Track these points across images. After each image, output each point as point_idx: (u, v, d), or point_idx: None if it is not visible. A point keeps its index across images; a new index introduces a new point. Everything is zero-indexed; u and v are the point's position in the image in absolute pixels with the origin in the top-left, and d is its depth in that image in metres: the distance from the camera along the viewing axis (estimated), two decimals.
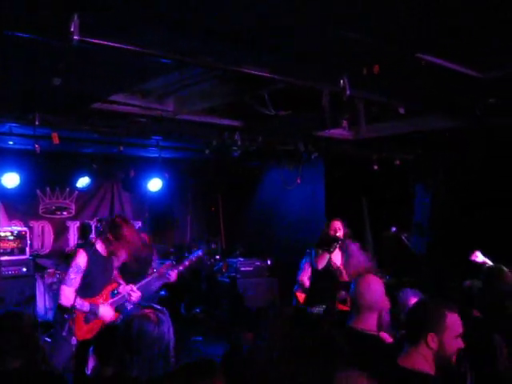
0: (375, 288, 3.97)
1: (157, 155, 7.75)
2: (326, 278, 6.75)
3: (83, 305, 5.44)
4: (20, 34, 3.25)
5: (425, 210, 8.78)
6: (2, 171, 7.79)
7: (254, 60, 4.20)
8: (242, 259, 9.73)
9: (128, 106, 5.93)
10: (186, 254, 9.64)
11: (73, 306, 5.29)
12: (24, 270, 8.27)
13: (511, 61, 4.43)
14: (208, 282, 9.88)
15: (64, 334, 5.19)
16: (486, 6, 3.32)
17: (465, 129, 6.59)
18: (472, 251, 6.60)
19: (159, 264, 7.55)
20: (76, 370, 4.75)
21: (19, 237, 8.53)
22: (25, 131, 6.14)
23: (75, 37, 3.11)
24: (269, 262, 9.82)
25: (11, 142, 7.08)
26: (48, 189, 9.57)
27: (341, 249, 6.83)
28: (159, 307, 3.39)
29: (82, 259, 5.60)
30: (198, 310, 9.76)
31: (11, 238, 8.45)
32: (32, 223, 9.36)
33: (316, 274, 6.80)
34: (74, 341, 5.20)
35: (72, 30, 3.09)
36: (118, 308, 5.90)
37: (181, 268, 6.77)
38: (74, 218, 9.84)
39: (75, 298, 5.42)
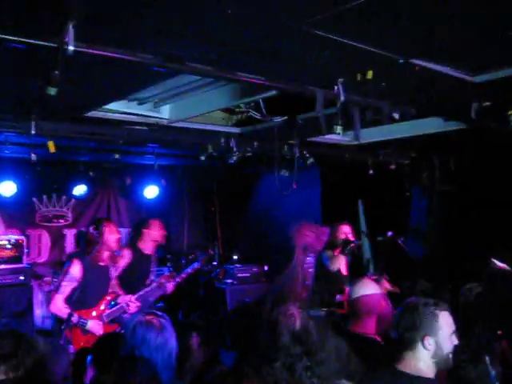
0: (373, 292, 3.99)
1: (153, 162, 7.76)
2: (327, 282, 6.78)
3: (74, 317, 5.44)
4: (14, 43, 3.25)
5: (421, 213, 8.79)
6: None
7: (248, 67, 4.21)
8: (238, 265, 9.74)
9: (124, 114, 5.95)
10: (183, 262, 9.67)
11: (70, 315, 5.32)
12: (21, 278, 8.26)
13: (501, 64, 4.46)
14: (205, 288, 9.88)
15: (61, 342, 5.21)
16: (476, 10, 3.34)
17: (460, 132, 6.61)
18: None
19: (157, 272, 7.56)
20: (74, 379, 4.75)
21: (16, 245, 8.53)
22: (21, 140, 6.14)
23: (70, 46, 3.12)
24: (266, 268, 9.82)
25: (7, 151, 7.08)
26: (45, 197, 9.57)
27: (347, 252, 6.88)
28: (160, 313, 3.41)
29: (75, 268, 5.62)
30: (195, 317, 9.75)
31: (8, 246, 8.45)
32: (29, 231, 9.36)
33: (317, 278, 6.84)
34: (71, 349, 5.22)
35: (67, 39, 3.11)
36: (116, 319, 5.90)
37: (178, 280, 6.81)
38: (70, 226, 9.84)
39: (70, 307, 5.44)
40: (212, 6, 3.10)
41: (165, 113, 6.15)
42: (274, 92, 5.13)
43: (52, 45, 3.19)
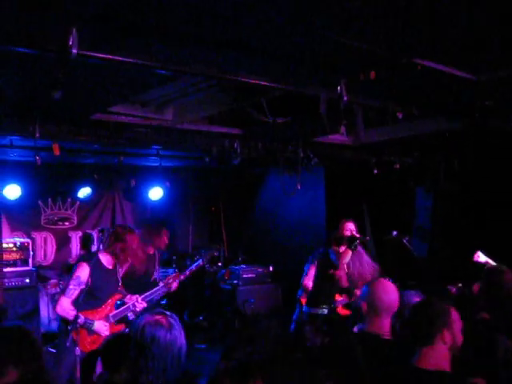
0: (392, 292, 4.00)
1: (157, 164, 7.78)
2: (330, 280, 6.79)
3: (80, 318, 5.45)
4: (18, 48, 3.28)
5: (426, 213, 8.79)
6: (3, 183, 7.82)
7: (251, 68, 4.23)
8: (244, 266, 9.74)
9: (128, 117, 5.97)
10: (188, 263, 9.68)
11: (76, 318, 5.33)
12: (27, 281, 8.29)
13: (505, 63, 4.46)
14: (211, 289, 9.89)
15: (67, 344, 5.22)
16: (480, 9, 3.35)
17: (464, 132, 6.61)
18: (474, 252, 6.62)
19: (162, 273, 7.58)
20: (83, 380, 4.78)
21: (22, 248, 8.55)
22: (25, 143, 6.17)
23: (73, 50, 3.14)
24: (271, 269, 9.83)
25: (12, 154, 7.12)
26: (50, 200, 9.60)
27: (353, 248, 6.89)
28: (169, 313, 3.42)
29: (83, 272, 5.63)
30: (201, 318, 9.79)
31: (14, 249, 8.48)
32: (34, 234, 9.39)
33: (320, 276, 6.84)
34: (77, 351, 5.23)
35: (70, 43, 3.13)
36: (121, 319, 5.92)
37: (182, 277, 6.83)
38: (75, 229, 9.87)
39: (76, 309, 5.45)
40: (214, 7, 3.12)
41: (168, 114, 6.17)
42: (277, 93, 5.15)
43: (56, 49, 3.20)
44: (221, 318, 9.41)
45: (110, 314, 5.80)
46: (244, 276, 9.51)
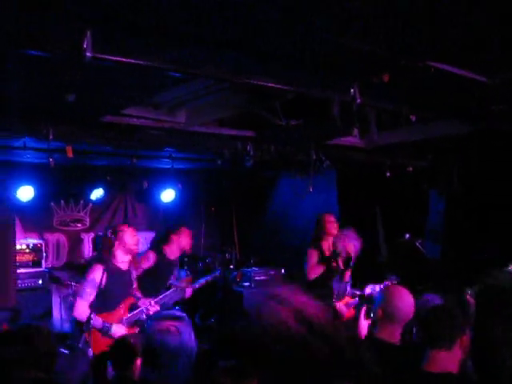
0: (409, 300, 3.96)
1: (170, 166, 7.79)
2: (325, 278, 6.80)
3: (96, 321, 5.46)
4: (33, 51, 3.29)
5: (439, 216, 8.74)
6: (17, 185, 7.86)
7: (263, 71, 4.22)
8: (256, 268, 9.71)
9: (140, 119, 5.98)
10: (200, 265, 9.69)
11: (89, 319, 5.34)
12: (40, 282, 8.34)
13: None
14: (223, 291, 9.88)
15: (80, 345, 5.24)
16: (492, 11, 3.33)
17: (478, 134, 6.58)
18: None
19: (176, 276, 7.59)
20: (96, 380, 4.79)
21: (35, 249, 8.59)
22: (39, 145, 6.19)
23: (88, 53, 3.15)
24: (283, 271, 9.80)
25: (26, 156, 7.15)
26: (62, 201, 9.63)
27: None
28: (179, 314, 3.42)
29: (98, 274, 5.63)
30: (212, 320, 9.77)
31: (27, 250, 8.52)
32: (47, 236, 9.42)
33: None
34: (90, 353, 5.25)
35: (85, 46, 3.14)
36: (135, 322, 5.93)
37: (197, 286, 6.82)
38: (88, 230, 9.89)
39: (90, 311, 5.46)
40: (230, 11, 3.12)
41: (181, 117, 6.17)
42: (290, 95, 5.14)
43: (70, 52, 3.21)
44: (232, 321, 9.39)
45: (124, 318, 5.81)
46: (256, 278, 9.47)
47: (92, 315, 5.43)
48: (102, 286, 5.60)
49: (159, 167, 8.64)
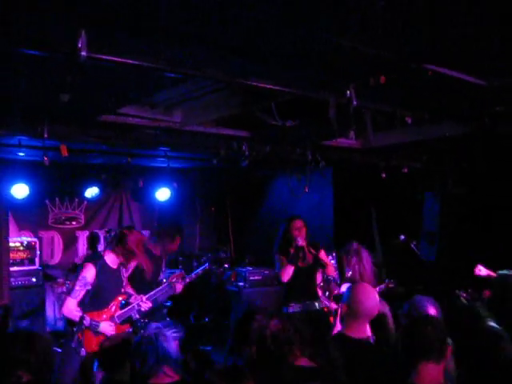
0: (373, 297, 4.07)
1: (165, 165, 7.78)
2: (303, 276, 6.78)
3: (86, 320, 5.46)
4: (28, 50, 3.27)
5: (434, 217, 8.75)
6: (11, 182, 7.86)
7: (259, 72, 4.21)
8: (250, 268, 9.72)
9: (136, 118, 5.96)
10: (195, 264, 9.69)
11: (81, 318, 5.34)
12: (33, 280, 8.31)
13: None
14: (217, 291, 9.88)
15: (73, 345, 5.23)
16: (490, 14, 3.33)
17: (473, 136, 6.58)
18: (475, 266, 6.60)
19: (168, 274, 7.59)
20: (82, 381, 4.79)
21: (29, 247, 8.57)
22: (34, 143, 6.17)
23: (83, 53, 3.13)
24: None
25: (22, 154, 7.13)
26: (57, 199, 9.62)
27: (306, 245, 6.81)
28: (168, 322, 3.44)
29: (89, 273, 5.64)
30: (206, 319, 9.78)
31: (21, 248, 8.50)
32: (41, 233, 9.41)
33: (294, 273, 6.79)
34: (83, 352, 5.25)
35: (79, 46, 3.12)
36: (127, 319, 5.93)
37: (187, 280, 6.82)
38: (83, 228, 9.89)
39: (81, 310, 5.46)
40: (224, 11, 3.11)
41: (177, 116, 6.16)
42: (286, 96, 5.13)
43: (65, 51, 3.19)
44: (227, 320, 9.40)
45: (116, 315, 5.81)
46: (251, 278, 9.48)
47: (84, 314, 5.44)
48: (94, 285, 5.61)
49: (155, 166, 8.64)
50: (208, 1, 3.02)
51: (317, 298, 6.80)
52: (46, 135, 5.40)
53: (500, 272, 6.05)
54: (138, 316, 5.95)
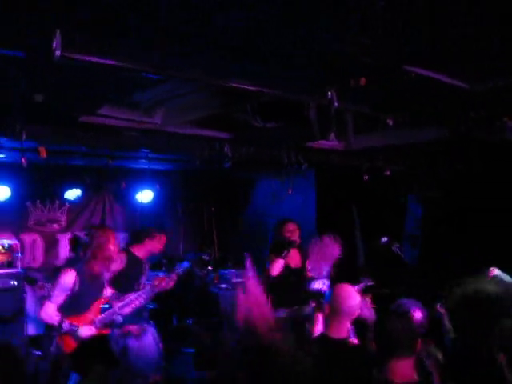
0: (354, 297, 4.11)
1: (147, 167, 7.74)
2: (293, 279, 6.78)
3: (65, 324, 5.41)
4: (2, 50, 3.23)
5: (416, 220, 8.77)
6: None
7: (240, 73, 4.19)
8: (233, 270, 9.69)
9: (116, 119, 5.92)
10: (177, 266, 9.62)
11: (60, 323, 5.28)
12: (13, 283, 8.20)
13: (499, 72, 4.44)
14: (200, 293, 9.83)
15: (52, 350, 5.17)
16: (473, 18, 3.32)
17: (455, 140, 6.60)
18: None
19: (152, 276, 7.52)
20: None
21: (10, 250, 8.46)
22: (13, 144, 6.12)
23: (57, 53, 3.09)
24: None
25: (1, 155, 7.05)
26: (38, 201, 9.51)
27: (299, 249, 6.89)
28: (144, 322, 3.42)
29: (69, 278, 5.57)
30: (189, 322, 9.72)
31: (2, 251, 8.39)
32: (22, 236, 9.30)
33: (278, 278, 6.80)
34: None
35: (54, 46, 3.08)
36: (109, 324, 5.86)
37: (171, 284, 6.72)
38: (64, 231, 9.78)
39: (61, 315, 5.40)
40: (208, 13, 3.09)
41: (157, 117, 6.11)
42: (267, 97, 5.12)
43: (39, 51, 3.16)
44: (209, 323, 9.35)
45: (96, 319, 5.75)
46: (233, 280, 9.45)
47: (63, 319, 5.38)
48: (75, 290, 5.55)
49: (137, 168, 8.59)
50: (208, 1, 3.01)
51: (306, 303, 6.80)
52: (24, 137, 5.35)
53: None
54: (121, 320, 5.89)
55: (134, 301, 6.23)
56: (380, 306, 5.71)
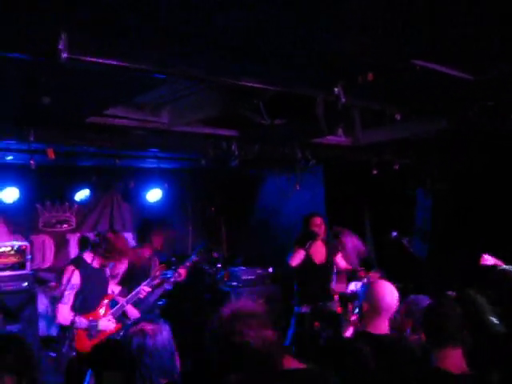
0: (393, 292, 4.08)
1: (155, 166, 7.75)
2: (318, 275, 6.80)
3: (81, 322, 5.45)
4: (8, 53, 3.23)
5: (426, 214, 8.74)
6: (1, 186, 7.78)
7: (247, 71, 4.19)
8: (243, 268, 9.69)
9: (124, 119, 5.93)
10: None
11: (72, 323, 5.31)
12: (24, 284, 8.23)
13: (503, 62, 4.42)
14: (210, 291, 9.84)
15: (64, 350, 5.20)
16: (473, 18, 3.32)
17: (463, 132, 6.57)
18: (479, 256, 6.53)
19: (162, 276, 7.55)
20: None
21: (20, 251, 8.49)
22: (21, 146, 6.14)
23: (64, 55, 3.10)
24: (270, 270, 9.78)
25: (10, 157, 7.08)
26: (48, 202, 9.54)
27: (325, 243, 6.92)
28: (157, 319, 3.41)
29: (73, 276, 5.62)
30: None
31: (12, 252, 8.41)
32: (32, 237, 9.32)
33: (302, 273, 6.84)
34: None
35: (60, 47, 3.08)
36: (119, 318, 5.92)
37: (179, 279, 6.77)
38: (74, 231, 9.81)
39: (74, 314, 5.43)
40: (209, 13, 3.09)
41: (164, 117, 6.12)
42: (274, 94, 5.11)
43: (45, 53, 3.16)
44: None
45: (109, 312, 5.82)
46: (243, 278, 9.45)
47: (76, 317, 5.41)
48: (82, 286, 5.60)
49: (145, 167, 8.59)
50: (208, 1, 3.00)
51: (331, 299, 6.83)
52: (32, 138, 5.37)
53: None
54: (131, 310, 5.96)
55: (141, 291, 6.29)
56: None
